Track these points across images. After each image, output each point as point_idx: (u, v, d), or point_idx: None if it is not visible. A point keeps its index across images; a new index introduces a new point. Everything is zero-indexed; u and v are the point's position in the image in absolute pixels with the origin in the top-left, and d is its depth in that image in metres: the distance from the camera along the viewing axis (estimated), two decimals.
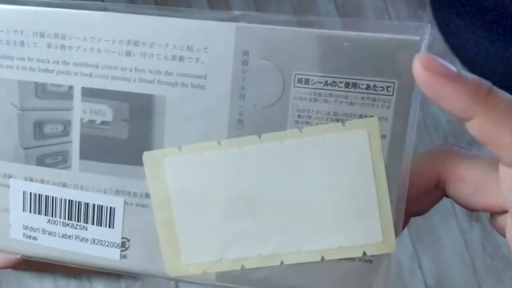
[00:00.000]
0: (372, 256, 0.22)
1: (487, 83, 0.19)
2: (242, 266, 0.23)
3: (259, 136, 0.22)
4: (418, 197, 0.23)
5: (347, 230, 0.22)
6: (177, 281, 0.24)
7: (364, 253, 0.22)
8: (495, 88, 0.19)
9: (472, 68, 0.88)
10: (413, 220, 0.24)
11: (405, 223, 0.25)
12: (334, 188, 0.22)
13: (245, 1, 0.88)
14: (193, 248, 0.23)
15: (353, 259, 0.22)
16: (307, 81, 0.22)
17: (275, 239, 0.23)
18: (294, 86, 0.22)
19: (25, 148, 0.24)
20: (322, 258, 0.23)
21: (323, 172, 0.22)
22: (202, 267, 0.23)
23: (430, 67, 0.19)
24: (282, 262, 0.23)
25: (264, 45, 0.21)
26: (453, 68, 0.19)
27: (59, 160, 0.24)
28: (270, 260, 0.23)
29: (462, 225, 0.80)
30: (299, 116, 0.22)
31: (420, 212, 0.24)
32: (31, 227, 0.24)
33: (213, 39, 0.22)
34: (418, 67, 0.19)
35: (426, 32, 0.21)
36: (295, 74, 0.22)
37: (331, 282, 0.23)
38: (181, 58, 0.22)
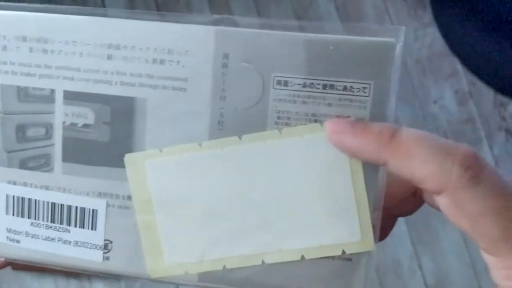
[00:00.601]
0: (351, 254, 0.23)
1: (390, 127, 0.20)
2: (224, 266, 0.23)
3: (240, 137, 0.22)
4: (396, 206, 0.23)
5: (326, 229, 0.22)
6: (159, 282, 0.24)
7: (343, 252, 0.23)
8: (400, 128, 0.20)
9: (472, 68, 0.89)
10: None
11: (392, 225, 0.25)
12: (313, 187, 0.22)
13: (245, 2, 0.89)
14: (175, 249, 0.23)
15: (333, 257, 0.23)
16: (286, 83, 0.22)
17: (256, 238, 0.23)
18: (273, 88, 0.22)
19: (8, 152, 0.24)
20: (302, 257, 0.23)
21: (302, 172, 0.22)
22: (184, 268, 0.24)
23: (335, 130, 0.21)
24: (263, 262, 0.23)
25: (244, 48, 0.22)
26: (359, 124, 0.21)
27: (42, 163, 0.24)
28: (251, 260, 0.23)
29: None
30: (278, 117, 0.22)
31: (405, 215, 0.24)
32: (15, 230, 0.25)
33: (193, 42, 0.22)
34: (327, 132, 0.21)
35: (401, 35, 0.21)
36: (274, 76, 0.22)
37: (312, 281, 0.23)
38: (162, 61, 0.22)
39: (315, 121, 0.22)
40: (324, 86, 0.22)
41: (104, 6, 0.89)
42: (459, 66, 0.89)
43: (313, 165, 0.22)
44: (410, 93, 0.89)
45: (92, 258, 0.24)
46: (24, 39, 0.23)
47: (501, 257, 0.19)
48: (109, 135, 0.23)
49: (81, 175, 0.24)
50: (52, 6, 0.23)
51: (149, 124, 0.23)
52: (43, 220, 0.24)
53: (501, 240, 0.19)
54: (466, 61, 0.89)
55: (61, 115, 0.23)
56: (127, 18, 0.22)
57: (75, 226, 0.24)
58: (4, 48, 0.23)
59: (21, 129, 0.24)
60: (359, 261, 0.23)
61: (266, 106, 0.22)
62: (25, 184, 0.24)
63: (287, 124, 0.22)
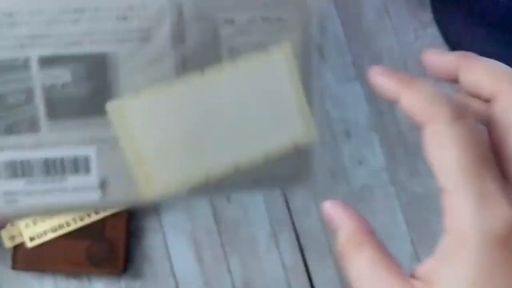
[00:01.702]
0: (300, 145, 0.29)
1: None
2: (207, 177, 0.29)
3: (202, 73, 0.27)
4: None
5: (279, 130, 0.29)
6: (155, 203, 0.29)
7: (293, 145, 0.29)
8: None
9: None
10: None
11: None
12: (267, 102, 0.28)
13: None
14: (163, 173, 0.28)
15: (288, 152, 0.29)
16: (232, 21, 0.27)
17: (227, 150, 0.29)
18: (223, 28, 0.27)
19: None
20: (266, 157, 0.29)
21: (257, 92, 0.28)
22: (174, 185, 0.29)
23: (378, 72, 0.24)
24: (236, 167, 0.29)
25: None
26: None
27: (28, 125, 0.26)
28: (227, 168, 0.29)
29: None
30: (231, 52, 0.27)
31: None
32: (10, 191, 0.27)
33: None
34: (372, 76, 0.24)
35: None
36: (222, 16, 0.27)
37: (274, 177, 0.30)
38: (124, 17, 0.26)
39: (261, 50, 0.28)
40: (263, 19, 0.27)
41: None
42: None
43: (264, 85, 0.28)
44: None
45: (91, 198, 0.28)
46: None
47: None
48: (88, 89, 0.26)
49: (68, 129, 0.27)
50: None
51: (122, 75, 0.26)
52: (38, 175, 0.27)
53: None
54: None
55: (39, 79, 0.26)
56: None
57: (70, 174, 0.27)
58: None
59: (1, 98, 0.26)
60: (305, 151, 0.30)
61: (219, 43, 0.27)
62: (14, 149, 0.26)
63: (239, 56, 0.27)
